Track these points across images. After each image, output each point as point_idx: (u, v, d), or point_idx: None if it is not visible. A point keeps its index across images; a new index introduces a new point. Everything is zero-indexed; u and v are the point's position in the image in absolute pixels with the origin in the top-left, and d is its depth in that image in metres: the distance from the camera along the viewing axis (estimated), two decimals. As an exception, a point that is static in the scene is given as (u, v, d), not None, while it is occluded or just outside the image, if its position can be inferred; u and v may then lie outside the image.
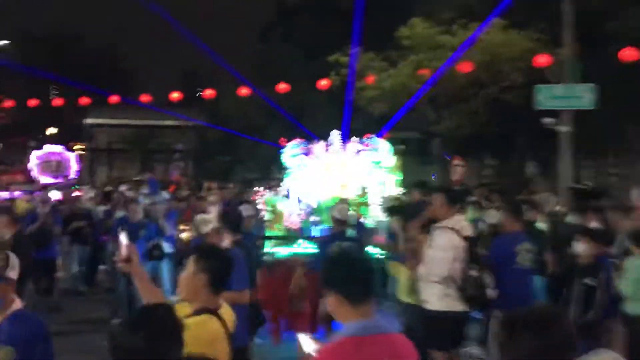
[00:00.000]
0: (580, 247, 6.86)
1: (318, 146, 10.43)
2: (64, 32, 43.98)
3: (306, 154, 10.40)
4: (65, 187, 15.58)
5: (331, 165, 10.39)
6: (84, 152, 36.61)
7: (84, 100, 24.08)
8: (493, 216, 9.34)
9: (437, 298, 6.19)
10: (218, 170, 28.19)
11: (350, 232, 8.28)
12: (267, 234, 9.79)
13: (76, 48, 43.56)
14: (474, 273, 6.15)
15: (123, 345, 2.53)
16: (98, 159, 37.07)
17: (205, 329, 3.58)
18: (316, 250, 8.73)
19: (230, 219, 6.63)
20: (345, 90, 19.95)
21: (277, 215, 9.88)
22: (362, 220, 9.71)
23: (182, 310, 3.83)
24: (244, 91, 23.12)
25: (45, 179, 17.77)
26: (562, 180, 15.59)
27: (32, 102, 26.58)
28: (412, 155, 21.91)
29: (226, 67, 20.16)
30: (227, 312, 3.83)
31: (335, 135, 10.50)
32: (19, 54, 39.50)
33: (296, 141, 10.55)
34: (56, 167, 18.24)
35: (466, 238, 6.22)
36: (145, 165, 33.72)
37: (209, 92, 23.26)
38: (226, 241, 5.97)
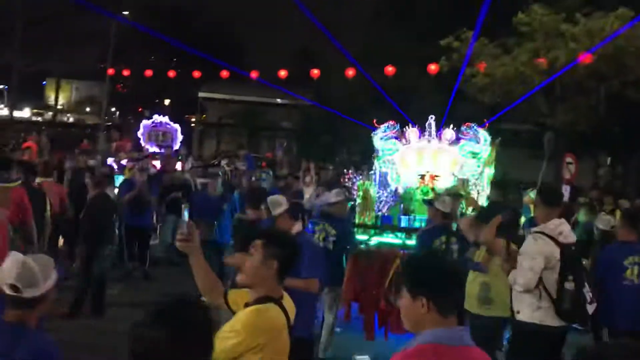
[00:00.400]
0: None
1: (411, 131, 9.87)
2: (183, 5, 45.17)
3: (397, 138, 9.85)
4: (167, 158, 15.86)
5: (423, 152, 9.83)
6: (194, 125, 37.70)
7: (197, 74, 24.67)
8: (605, 221, 8.64)
9: (530, 309, 5.48)
10: (320, 150, 28.11)
11: (455, 227, 7.72)
12: (358, 220, 9.33)
13: (193, 22, 44.71)
14: (569, 286, 5.37)
15: (143, 339, 2.27)
16: (208, 132, 38.00)
17: (267, 318, 3.42)
18: (415, 243, 8.29)
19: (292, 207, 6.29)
20: (454, 76, 19.26)
21: (368, 201, 9.39)
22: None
23: (242, 296, 3.64)
24: (350, 72, 22.87)
25: (151, 148, 18.24)
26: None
27: (148, 73, 27.60)
28: (521, 148, 20.85)
29: (338, 46, 19.78)
30: (288, 301, 3.63)
31: (431, 121, 9.91)
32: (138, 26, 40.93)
33: (388, 123, 9.97)
34: (162, 136, 18.67)
35: (566, 245, 5.47)
36: (251, 141, 34.25)
37: (316, 71, 23.08)
38: (297, 226, 5.73)
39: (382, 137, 9.83)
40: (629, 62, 17.10)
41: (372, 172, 10.14)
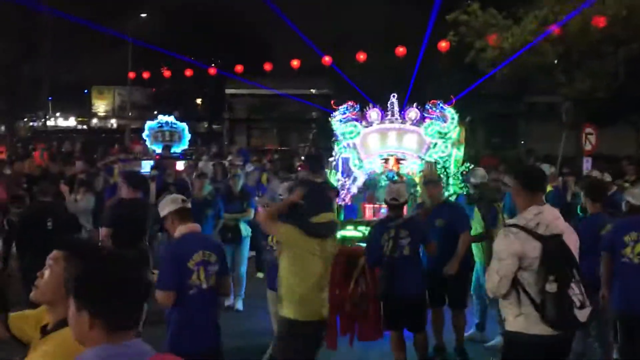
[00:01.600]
0: None
1: (372, 111, 9.22)
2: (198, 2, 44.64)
3: (358, 120, 9.22)
4: (167, 158, 15.70)
5: (386, 134, 9.16)
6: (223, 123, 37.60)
7: (215, 71, 24.58)
8: (637, 195, 7.69)
9: (512, 316, 4.55)
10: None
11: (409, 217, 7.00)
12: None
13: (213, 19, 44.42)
14: (550, 288, 4.32)
15: None
16: (237, 128, 37.91)
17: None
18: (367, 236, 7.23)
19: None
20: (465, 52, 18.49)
21: None
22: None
23: (28, 320, 3.23)
24: (361, 57, 22.31)
25: (157, 149, 18.11)
26: None
27: (167, 74, 27.69)
28: (538, 121, 19.87)
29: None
30: None
31: (393, 99, 9.22)
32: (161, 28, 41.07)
33: (347, 104, 9.27)
34: (169, 136, 18.52)
35: (548, 238, 4.41)
36: (281, 135, 33.95)
37: (327, 59, 22.57)
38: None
39: (341, 120, 9.24)
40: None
41: (332, 158, 9.57)
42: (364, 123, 9.27)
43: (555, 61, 17.21)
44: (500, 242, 4.51)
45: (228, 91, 36.56)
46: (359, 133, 9.21)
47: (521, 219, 4.54)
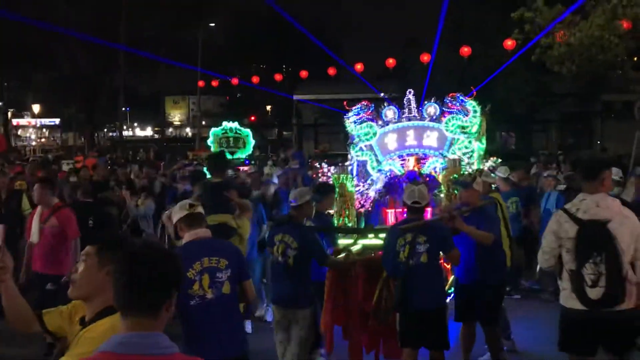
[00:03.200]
0: None
1: (388, 110, 8.76)
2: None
3: (373, 120, 8.74)
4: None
5: (405, 133, 8.69)
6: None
7: (279, 76, 24.84)
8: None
9: (561, 290, 5.09)
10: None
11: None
12: (337, 222, 7.89)
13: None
14: (571, 266, 4.89)
15: None
16: (305, 134, 38.13)
17: None
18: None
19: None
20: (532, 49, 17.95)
21: (346, 197, 8.02)
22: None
23: (62, 316, 3.33)
24: (425, 58, 22.05)
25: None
26: None
27: (235, 81, 28.14)
28: (614, 120, 19.08)
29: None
30: None
31: (410, 96, 8.74)
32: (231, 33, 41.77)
33: (361, 104, 8.75)
34: (233, 142, 18.80)
35: (586, 222, 4.85)
36: (347, 139, 33.81)
37: (391, 61, 22.45)
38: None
39: (355, 121, 8.71)
40: None
41: (348, 163, 9.01)
42: (379, 122, 8.80)
43: (625, 57, 16.43)
44: (550, 221, 5.15)
45: (296, 97, 36.86)
46: (375, 134, 8.74)
47: (569, 204, 5.12)
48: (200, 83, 32.13)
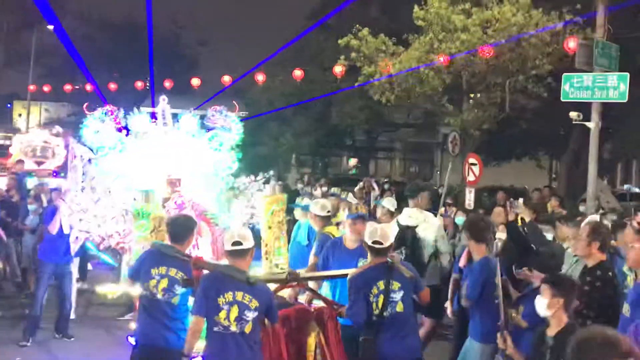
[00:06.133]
0: None
1: (138, 118, 7.59)
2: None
3: (121, 130, 7.48)
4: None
5: (156, 148, 7.50)
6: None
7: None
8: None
9: None
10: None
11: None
12: None
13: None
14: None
15: None
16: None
17: None
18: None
19: None
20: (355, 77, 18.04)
21: None
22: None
23: None
24: (260, 77, 21.78)
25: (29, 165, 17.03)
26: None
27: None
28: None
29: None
30: None
31: (164, 104, 7.75)
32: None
33: (105, 109, 7.41)
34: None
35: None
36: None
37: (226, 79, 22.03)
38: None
39: (95, 131, 7.37)
40: (533, 54, 15.85)
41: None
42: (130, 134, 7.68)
43: (441, 89, 16.83)
44: None
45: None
46: (123, 145, 7.54)
47: None
48: (31, 88, 30.10)
